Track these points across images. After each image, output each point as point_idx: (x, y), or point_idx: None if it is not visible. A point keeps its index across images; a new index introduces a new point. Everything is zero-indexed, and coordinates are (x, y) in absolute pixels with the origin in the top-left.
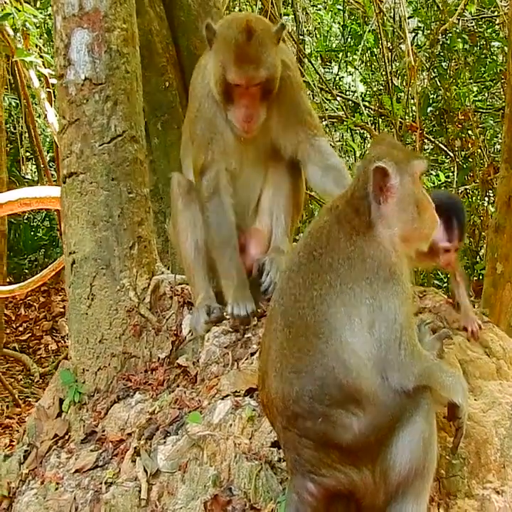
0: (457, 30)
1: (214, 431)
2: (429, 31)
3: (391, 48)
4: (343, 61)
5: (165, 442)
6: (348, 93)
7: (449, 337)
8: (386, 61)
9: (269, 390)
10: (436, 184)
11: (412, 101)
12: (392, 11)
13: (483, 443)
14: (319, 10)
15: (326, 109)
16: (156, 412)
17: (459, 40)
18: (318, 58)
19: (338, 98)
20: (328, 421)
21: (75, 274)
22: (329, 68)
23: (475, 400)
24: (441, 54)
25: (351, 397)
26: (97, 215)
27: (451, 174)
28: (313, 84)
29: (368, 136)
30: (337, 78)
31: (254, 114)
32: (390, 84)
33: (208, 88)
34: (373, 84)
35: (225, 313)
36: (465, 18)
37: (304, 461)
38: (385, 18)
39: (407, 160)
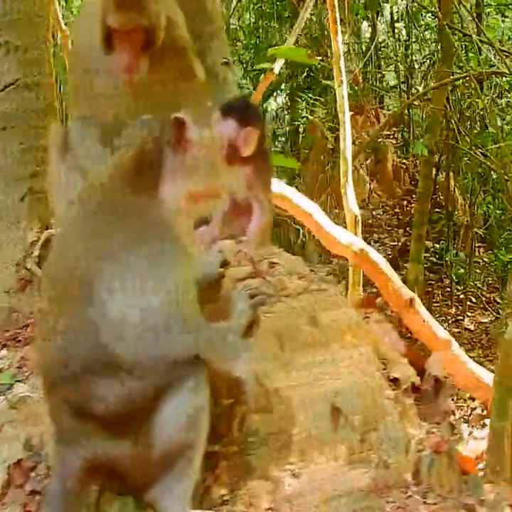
0: None
1: (35, 392)
2: None
3: None
4: None
5: None
6: None
7: (264, 304)
8: None
9: (34, 351)
10: None
11: None
12: None
13: (287, 421)
14: None
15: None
16: (3, 369)
17: None
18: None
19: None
20: (84, 389)
21: None
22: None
23: (289, 374)
24: None
25: (110, 364)
26: None
27: None
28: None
29: None
30: None
31: (134, 63)
32: None
33: (91, 31)
34: None
35: None
36: None
37: (64, 430)
38: None
39: (206, 113)
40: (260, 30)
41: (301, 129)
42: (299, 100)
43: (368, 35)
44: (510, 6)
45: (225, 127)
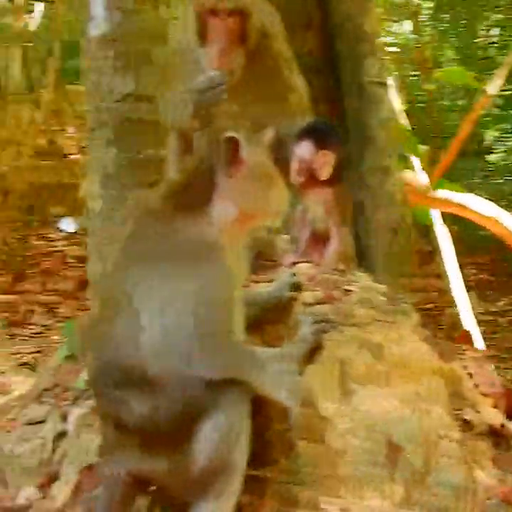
0: None
1: None
2: None
3: None
4: None
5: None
6: None
7: (327, 332)
8: None
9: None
10: None
11: None
12: None
13: (340, 453)
14: None
15: None
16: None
17: None
18: None
19: None
20: (120, 403)
21: (89, 230)
22: None
23: (347, 405)
24: None
25: (142, 381)
26: (107, 173)
27: None
28: None
29: None
30: None
31: (228, 50)
32: None
33: (187, 39)
34: None
35: None
36: None
37: (109, 440)
38: None
39: (257, 130)
40: None
41: None
42: None
43: None
44: None
45: (301, 149)
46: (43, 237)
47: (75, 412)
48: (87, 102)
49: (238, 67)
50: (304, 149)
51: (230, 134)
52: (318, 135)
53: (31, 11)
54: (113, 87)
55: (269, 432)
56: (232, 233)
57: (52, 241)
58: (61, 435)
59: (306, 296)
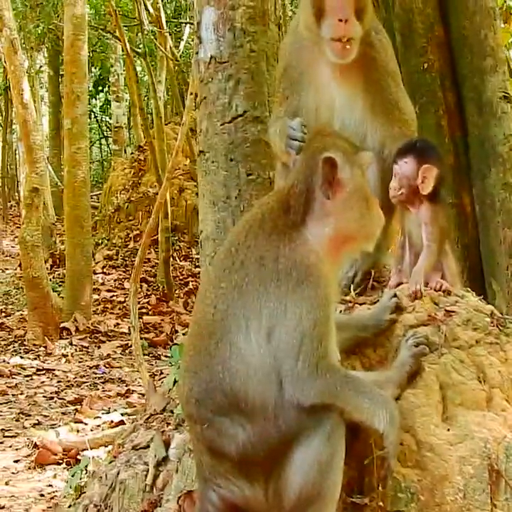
0: None
1: None
2: None
3: None
4: None
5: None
6: None
7: (426, 355)
8: None
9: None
10: None
11: None
12: None
13: (441, 480)
14: None
15: None
16: None
17: None
18: None
19: None
20: (213, 428)
21: (200, 252)
22: None
23: (447, 430)
24: None
25: (236, 406)
26: (217, 195)
27: None
28: None
29: None
30: None
31: (347, 18)
32: None
33: (295, 39)
34: None
35: None
36: None
37: (204, 467)
38: None
39: (355, 151)
40: None
41: None
42: None
43: None
44: None
45: (402, 165)
46: (188, 257)
47: (177, 438)
48: (198, 125)
49: (357, 38)
50: (405, 166)
51: (328, 154)
52: (419, 150)
53: (180, 35)
54: (222, 109)
55: (368, 458)
56: (327, 255)
57: (196, 260)
58: (164, 460)
59: (408, 317)
